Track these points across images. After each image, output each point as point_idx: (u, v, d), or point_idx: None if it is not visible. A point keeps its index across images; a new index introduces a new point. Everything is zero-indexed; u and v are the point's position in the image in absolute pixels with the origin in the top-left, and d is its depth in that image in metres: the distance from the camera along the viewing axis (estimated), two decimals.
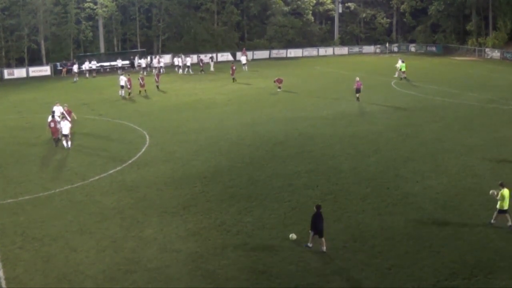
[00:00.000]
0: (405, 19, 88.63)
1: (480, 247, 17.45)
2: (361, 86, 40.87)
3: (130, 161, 27.22)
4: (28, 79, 59.95)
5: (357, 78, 41.59)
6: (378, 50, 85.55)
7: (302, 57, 78.98)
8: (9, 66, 64.95)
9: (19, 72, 61.92)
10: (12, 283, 15.70)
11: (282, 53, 79.12)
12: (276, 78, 47.98)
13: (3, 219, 20.22)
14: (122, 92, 45.86)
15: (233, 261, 16.81)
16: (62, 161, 27.76)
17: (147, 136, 32.13)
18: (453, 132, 32.12)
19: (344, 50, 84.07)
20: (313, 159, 27.17)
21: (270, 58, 76.52)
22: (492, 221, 19.03)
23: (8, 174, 25.77)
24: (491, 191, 19.37)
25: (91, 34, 70.11)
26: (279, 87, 47.40)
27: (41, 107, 41.76)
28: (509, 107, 39.28)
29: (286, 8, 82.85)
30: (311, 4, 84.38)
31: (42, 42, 66.47)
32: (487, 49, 75.59)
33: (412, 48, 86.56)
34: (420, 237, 18.23)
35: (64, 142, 29.90)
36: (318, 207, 17.62)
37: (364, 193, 22.43)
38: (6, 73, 61.14)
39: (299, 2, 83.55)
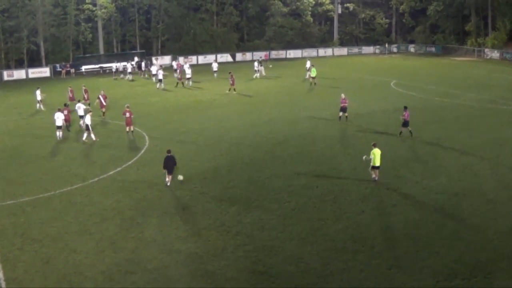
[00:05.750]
0: (404, 20, 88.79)
1: (479, 248, 17.45)
2: (347, 104, 34.79)
3: (129, 162, 27.23)
4: (28, 81, 59.93)
5: (343, 95, 35.18)
6: (377, 51, 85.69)
7: (302, 58, 79.00)
8: (8, 67, 65.01)
9: (19, 74, 61.91)
10: (12, 284, 15.70)
11: (281, 54, 79.21)
12: (231, 77, 47.39)
13: (3, 220, 20.22)
14: (161, 85, 50.64)
15: (232, 262, 16.82)
16: (62, 162, 27.75)
17: (147, 137, 32.14)
18: (452, 132, 32.14)
19: (344, 51, 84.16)
20: (312, 160, 27.18)
21: (269, 59, 76.48)
22: (373, 176, 23.42)
23: (8, 175, 25.76)
24: (364, 157, 23.77)
25: (90, 35, 70.17)
26: (233, 89, 46.82)
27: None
28: (508, 108, 39.31)
29: (285, 9, 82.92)
30: (310, 5, 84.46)
31: (42, 43, 66.51)
32: (486, 50, 75.68)
33: (412, 48, 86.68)
34: (419, 238, 18.24)
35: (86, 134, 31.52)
36: (168, 151, 23.57)
37: (363, 193, 22.44)
38: (6, 75, 61.15)
39: (298, 3, 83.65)
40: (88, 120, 31.52)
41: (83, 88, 41.50)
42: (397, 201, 21.58)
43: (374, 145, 23.49)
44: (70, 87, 42.75)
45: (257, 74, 57.46)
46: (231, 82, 47.26)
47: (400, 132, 30.79)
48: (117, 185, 23.93)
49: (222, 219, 20.01)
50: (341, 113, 34.89)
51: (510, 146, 28.88)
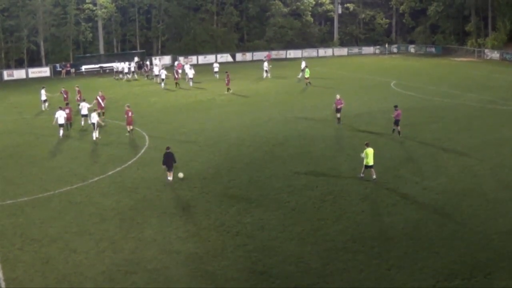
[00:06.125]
0: (404, 20, 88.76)
1: (479, 248, 17.45)
2: (343, 105, 34.36)
3: (129, 162, 27.23)
4: (28, 80, 59.98)
5: (338, 96, 34.63)
6: (377, 51, 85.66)
7: (302, 58, 78.98)
8: (8, 67, 65.04)
9: (19, 73, 61.95)
10: (12, 284, 15.68)
11: (281, 54, 79.15)
12: (227, 77, 47.51)
13: (3, 220, 20.21)
14: (162, 84, 51.13)
15: (232, 262, 16.81)
16: (61, 162, 27.74)
17: (147, 137, 32.14)
18: (452, 132, 32.14)
19: (344, 51, 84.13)
20: (312, 160, 27.18)
21: (270, 59, 76.53)
22: (361, 174, 23.87)
23: (7, 175, 25.75)
24: (361, 154, 23.78)
25: (90, 35, 70.19)
26: (227, 88, 47.00)
27: (40, 108, 41.73)
28: (508, 108, 39.31)
29: (285, 9, 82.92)
30: (310, 5, 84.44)
31: (42, 43, 66.54)
32: (486, 50, 75.66)
33: (412, 49, 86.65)
34: (419, 238, 18.23)
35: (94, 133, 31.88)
36: (168, 148, 24.12)
37: (363, 193, 22.43)
38: (6, 75, 61.18)
39: (298, 3, 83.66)
40: (94, 118, 31.76)
41: (77, 89, 41.47)
42: (397, 201, 21.57)
43: (367, 145, 23.80)
44: (63, 88, 42.65)
45: (268, 74, 57.26)
46: (226, 81, 47.29)
47: (398, 132, 30.93)
48: (117, 185, 23.93)
49: (222, 219, 20.01)
50: (338, 115, 34.42)
51: (510, 147, 28.88)
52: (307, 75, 50.46)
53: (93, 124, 31.74)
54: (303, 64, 55.43)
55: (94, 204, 21.72)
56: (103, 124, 33.00)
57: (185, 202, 21.82)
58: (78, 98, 39.08)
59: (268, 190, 22.98)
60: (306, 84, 50.32)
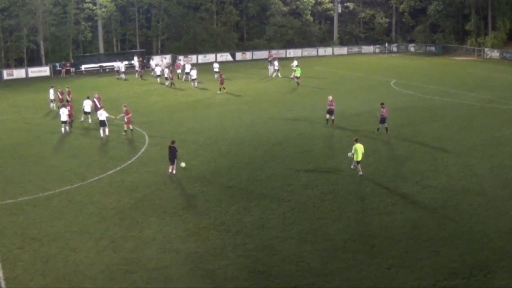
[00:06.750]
0: (404, 19, 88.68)
1: (479, 247, 17.45)
2: (334, 107, 33.89)
3: (129, 161, 27.23)
4: (27, 80, 59.91)
5: (330, 98, 34.07)
6: (377, 50, 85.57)
7: (302, 57, 78.93)
8: (8, 66, 64.96)
9: (18, 73, 61.88)
10: (12, 283, 15.69)
11: (281, 53, 79.02)
12: (220, 77, 47.89)
13: (3, 219, 20.21)
14: (166, 83, 51.94)
15: (232, 261, 16.81)
16: (61, 161, 27.74)
17: (147, 136, 32.13)
18: (452, 131, 32.14)
19: (344, 50, 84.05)
20: (312, 159, 27.18)
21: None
22: (360, 173, 24.00)
23: (7, 174, 25.75)
24: (348, 153, 24.56)
25: (90, 34, 70.09)
26: (223, 88, 47.07)
27: (40, 107, 41.74)
28: (508, 107, 39.32)
29: (285, 9, 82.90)
30: (310, 4, 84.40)
31: (41, 42, 66.46)
32: (486, 49, 75.66)
33: (412, 48, 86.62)
34: (419, 237, 18.24)
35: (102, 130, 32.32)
36: (173, 142, 24.88)
37: (363, 193, 22.44)
38: (5, 74, 61.09)
39: (298, 2, 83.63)
40: (102, 115, 32.02)
41: (67, 90, 41.40)
42: (396, 200, 21.58)
43: (356, 141, 24.27)
44: (59, 89, 42.54)
45: (278, 73, 57.09)
46: (220, 81, 47.44)
47: (378, 129, 31.41)
48: (116, 184, 23.93)
49: (222, 218, 20.01)
50: (328, 116, 34.05)
51: (510, 146, 28.89)
52: (298, 74, 50.42)
53: (102, 121, 32.03)
54: (295, 63, 55.31)
55: (94, 203, 21.72)
56: (113, 117, 33.09)
57: (185, 201, 21.82)
58: (69, 100, 39.22)
59: (268, 189, 22.98)
60: (298, 83, 50.12)
